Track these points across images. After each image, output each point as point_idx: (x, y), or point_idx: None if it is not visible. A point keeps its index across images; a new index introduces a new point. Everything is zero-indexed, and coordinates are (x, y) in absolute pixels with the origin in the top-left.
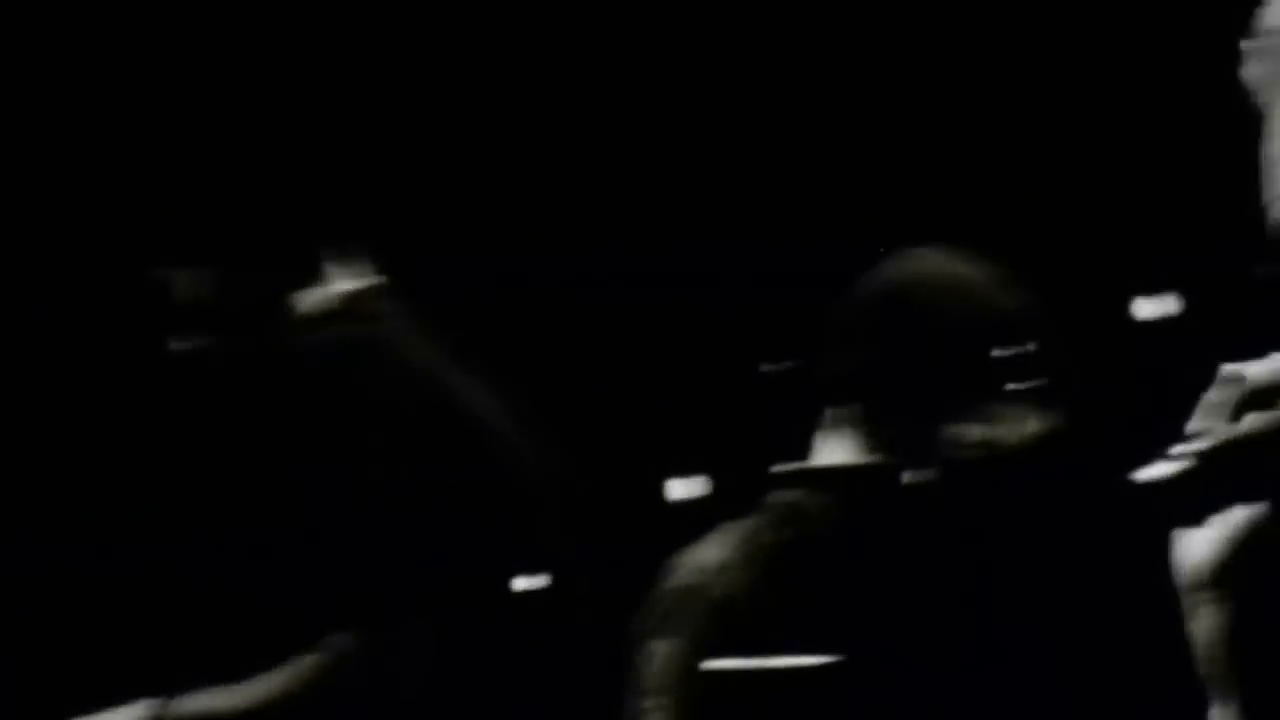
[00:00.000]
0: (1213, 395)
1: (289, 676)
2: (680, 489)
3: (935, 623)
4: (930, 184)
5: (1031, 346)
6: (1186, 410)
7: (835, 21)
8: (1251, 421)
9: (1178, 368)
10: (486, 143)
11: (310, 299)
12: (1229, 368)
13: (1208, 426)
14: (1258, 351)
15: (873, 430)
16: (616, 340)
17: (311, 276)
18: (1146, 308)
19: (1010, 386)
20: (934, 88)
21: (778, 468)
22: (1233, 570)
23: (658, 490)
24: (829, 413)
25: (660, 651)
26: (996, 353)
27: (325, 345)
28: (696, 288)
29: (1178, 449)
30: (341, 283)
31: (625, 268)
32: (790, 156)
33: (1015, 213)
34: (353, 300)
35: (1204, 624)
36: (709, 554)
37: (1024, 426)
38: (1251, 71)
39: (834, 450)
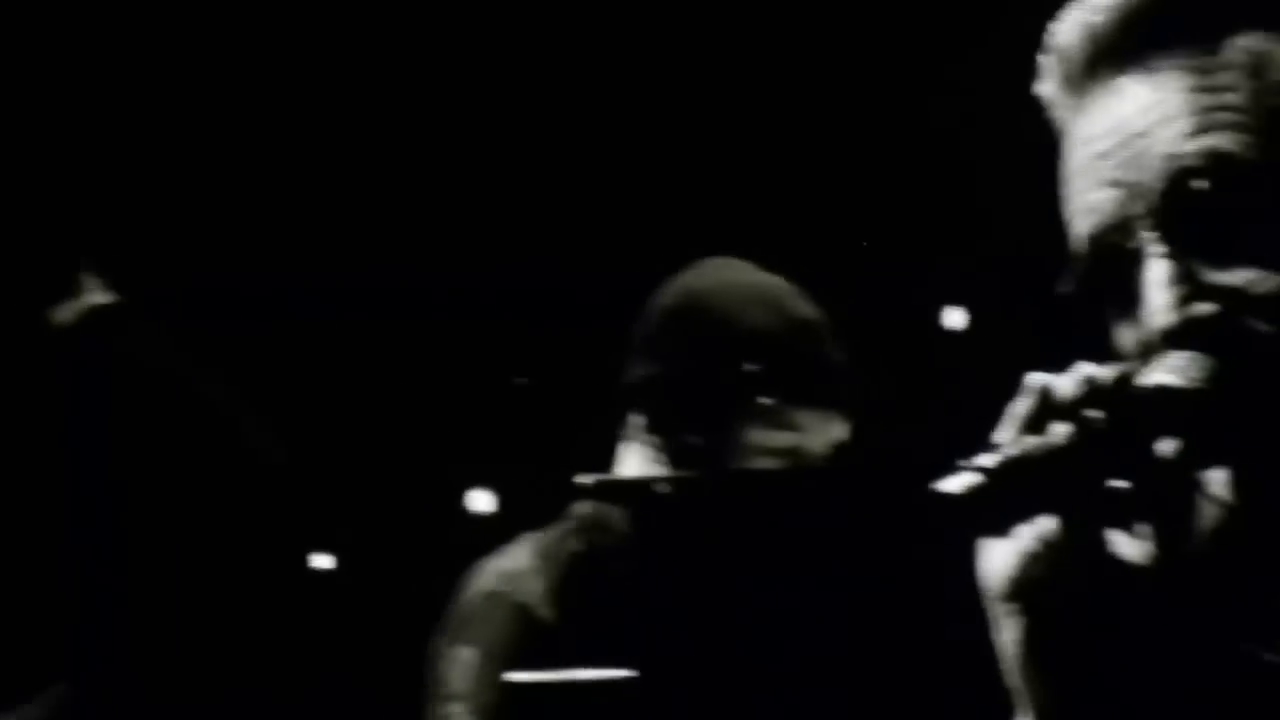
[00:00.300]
0: (1016, 406)
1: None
2: (481, 499)
3: (736, 633)
4: (729, 193)
5: (832, 355)
6: (990, 420)
7: (614, 34)
8: (1054, 432)
9: (981, 378)
10: (261, 156)
11: (59, 312)
12: (1033, 378)
13: (1011, 437)
14: (1061, 363)
15: (673, 439)
16: (420, 351)
17: (61, 290)
18: (950, 317)
19: (811, 395)
20: (734, 99)
21: (579, 478)
22: (1035, 581)
23: (458, 499)
24: (630, 421)
25: (462, 658)
26: (797, 362)
27: (74, 358)
28: (496, 300)
29: (981, 459)
30: (90, 296)
31: (429, 282)
32: (580, 171)
33: (817, 221)
34: (101, 314)
35: (1008, 634)
36: (510, 562)
37: (825, 435)
38: (1047, 87)
39: (635, 460)
